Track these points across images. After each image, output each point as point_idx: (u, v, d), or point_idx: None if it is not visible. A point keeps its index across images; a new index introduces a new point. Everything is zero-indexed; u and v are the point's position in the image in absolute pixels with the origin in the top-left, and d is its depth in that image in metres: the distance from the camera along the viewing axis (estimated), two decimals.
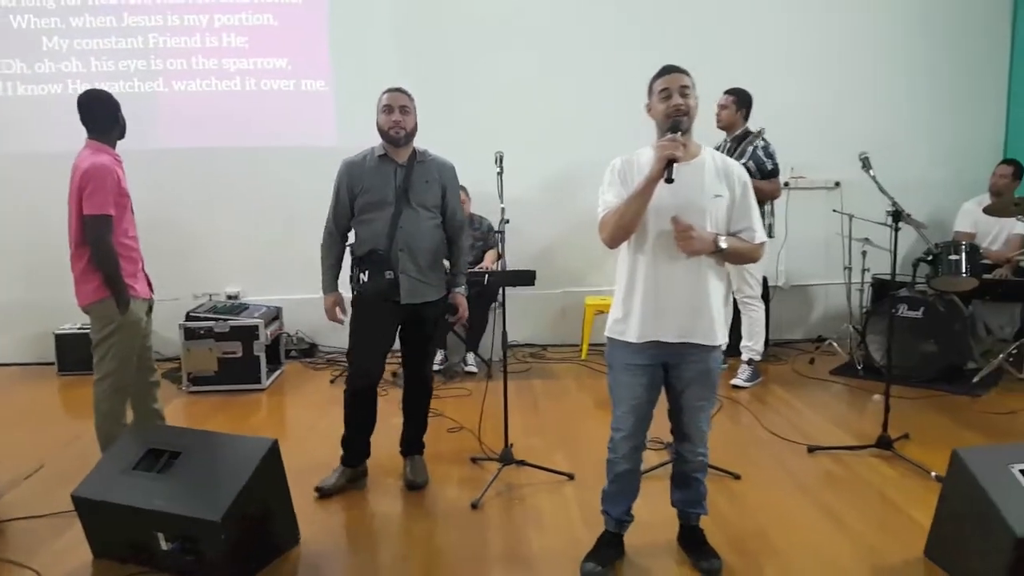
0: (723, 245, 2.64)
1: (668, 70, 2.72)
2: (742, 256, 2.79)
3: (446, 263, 3.78)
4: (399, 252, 3.48)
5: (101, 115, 3.44)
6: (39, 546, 3.13)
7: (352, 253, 3.63)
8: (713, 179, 2.70)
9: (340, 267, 3.69)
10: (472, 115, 5.99)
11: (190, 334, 5.23)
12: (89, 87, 3.56)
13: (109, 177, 3.30)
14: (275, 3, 5.92)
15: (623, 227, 2.66)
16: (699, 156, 2.73)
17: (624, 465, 2.87)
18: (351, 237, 3.66)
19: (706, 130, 5.16)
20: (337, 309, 3.70)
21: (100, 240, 3.31)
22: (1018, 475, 2.71)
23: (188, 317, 5.44)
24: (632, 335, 2.73)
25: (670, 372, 2.78)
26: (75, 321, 5.67)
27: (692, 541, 3.01)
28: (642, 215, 2.64)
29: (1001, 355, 5.16)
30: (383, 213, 3.50)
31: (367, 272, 3.52)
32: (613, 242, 2.72)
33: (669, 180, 2.53)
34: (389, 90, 3.53)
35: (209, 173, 5.93)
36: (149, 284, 3.64)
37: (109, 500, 2.93)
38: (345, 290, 3.67)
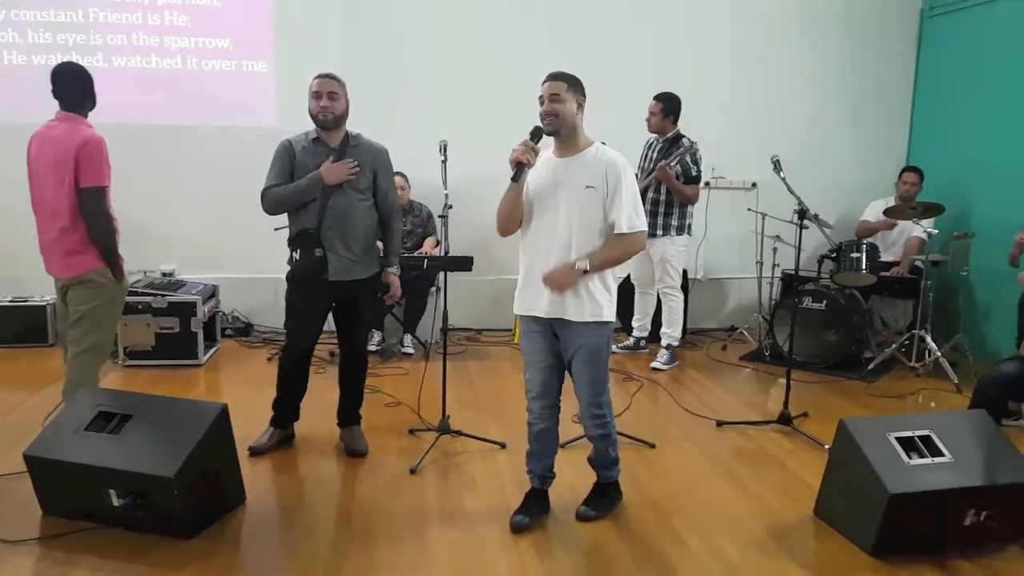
0: (586, 267, 2.93)
1: (547, 78, 3.00)
2: (613, 261, 3.00)
3: (380, 244, 3.92)
4: (328, 231, 3.63)
5: (79, 88, 3.45)
6: None
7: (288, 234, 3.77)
8: (589, 172, 2.97)
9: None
10: (417, 103, 6.18)
11: (128, 309, 5.24)
12: (62, 60, 3.55)
13: (103, 149, 3.35)
14: None
15: (500, 219, 3.09)
16: (583, 151, 3.02)
17: (540, 424, 3.20)
18: (285, 220, 3.78)
19: (643, 131, 5.54)
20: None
21: (100, 212, 3.35)
22: (894, 442, 3.07)
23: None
24: (517, 309, 3.13)
25: (561, 345, 3.09)
26: (4, 294, 5.69)
27: (593, 492, 3.32)
28: (514, 210, 3.04)
29: (894, 345, 5.63)
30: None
31: (298, 251, 3.68)
32: (500, 231, 3.12)
33: (515, 180, 2.94)
34: (318, 76, 3.64)
35: (147, 151, 5.94)
36: None
37: (61, 459, 3.03)
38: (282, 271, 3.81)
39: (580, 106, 3.00)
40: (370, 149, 3.77)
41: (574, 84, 2.99)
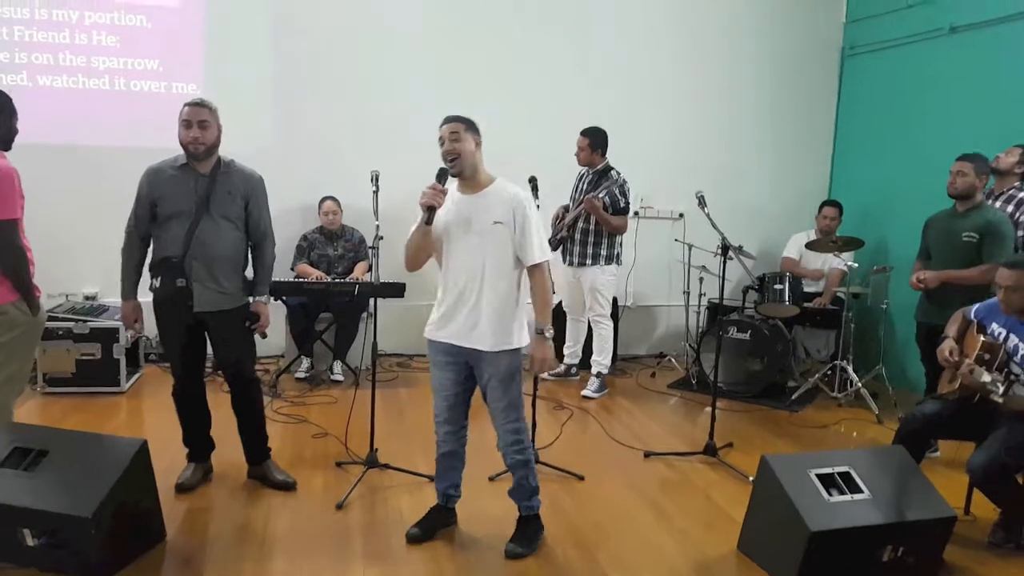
0: (548, 333, 3.15)
1: (445, 120, 3.13)
2: (548, 299, 3.18)
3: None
4: (192, 261, 3.52)
5: None
6: None
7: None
8: (495, 208, 3.10)
9: (140, 274, 3.67)
10: (349, 126, 6.17)
11: (47, 334, 5.07)
12: None
13: (15, 181, 3.22)
14: (149, 5, 5.88)
15: (409, 257, 3.18)
16: (487, 188, 3.14)
17: (444, 447, 3.33)
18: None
19: (571, 161, 5.62)
20: (136, 320, 3.70)
21: (11, 244, 3.23)
22: (814, 479, 3.15)
23: (47, 318, 5.30)
24: (430, 332, 3.23)
25: (474, 371, 3.19)
26: None
27: (516, 527, 3.36)
28: (421, 249, 3.15)
29: (817, 375, 5.79)
30: (181, 222, 3.52)
31: (159, 279, 3.58)
32: (408, 267, 3.21)
33: (427, 223, 3.05)
34: (189, 104, 3.51)
35: (73, 171, 5.81)
36: None
37: None
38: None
39: (478, 144, 3.13)
40: (242, 175, 3.65)
41: (470, 125, 3.13)
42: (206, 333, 3.71)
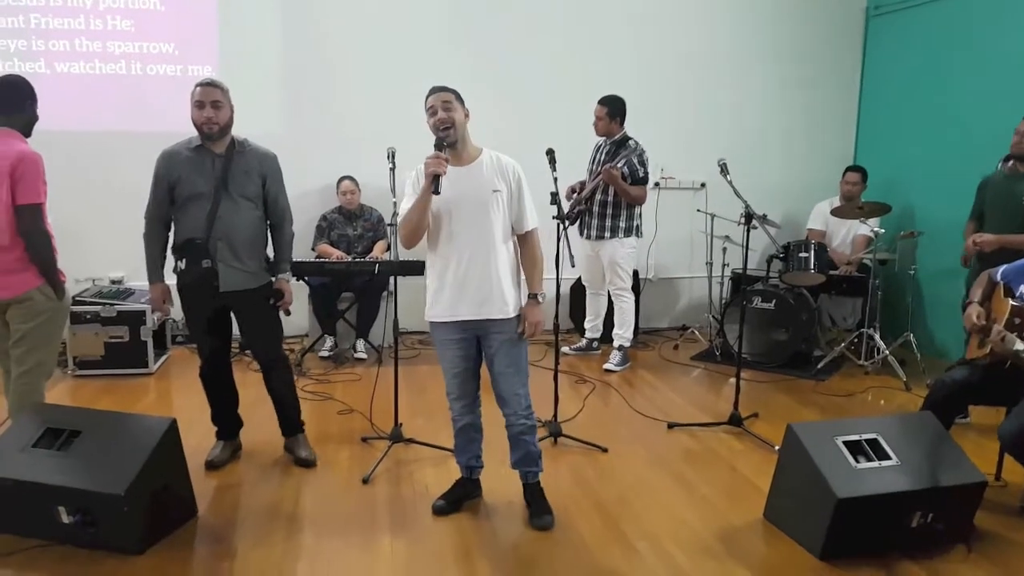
0: (541, 298, 3.20)
1: (433, 90, 3.14)
2: (540, 266, 3.24)
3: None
4: (217, 242, 3.54)
5: (14, 102, 3.35)
6: None
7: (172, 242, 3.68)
8: (491, 176, 3.13)
9: (165, 257, 3.70)
10: (362, 106, 6.15)
11: (76, 318, 5.20)
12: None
13: (40, 166, 3.26)
14: None
15: (409, 231, 3.09)
16: (477, 158, 3.16)
17: (461, 421, 3.35)
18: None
19: (589, 135, 5.56)
20: (165, 301, 3.73)
21: (38, 229, 3.27)
22: (841, 446, 3.13)
23: (74, 301, 5.37)
24: (438, 315, 3.20)
25: (481, 343, 3.22)
26: None
27: (530, 498, 3.38)
28: (423, 220, 3.08)
29: (843, 344, 5.74)
30: (200, 203, 3.54)
31: (184, 260, 3.60)
32: (406, 242, 3.12)
33: (436, 192, 2.99)
34: (201, 84, 3.51)
35: (93, 156, 5.86)
36: None
37: (9, 476, 2.98)
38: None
39: (467, 115, 3.16)
40: (257, 154, 3.66)
41: (459, 96, 3.15)
42: (232, 313, 3.75)
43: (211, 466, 3.78)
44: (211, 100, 3.48)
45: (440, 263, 3.17)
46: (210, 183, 3.55)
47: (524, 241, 3.23)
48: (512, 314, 3.16)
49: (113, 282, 5.95)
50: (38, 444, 3.09)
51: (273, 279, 3.77)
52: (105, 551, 2.97)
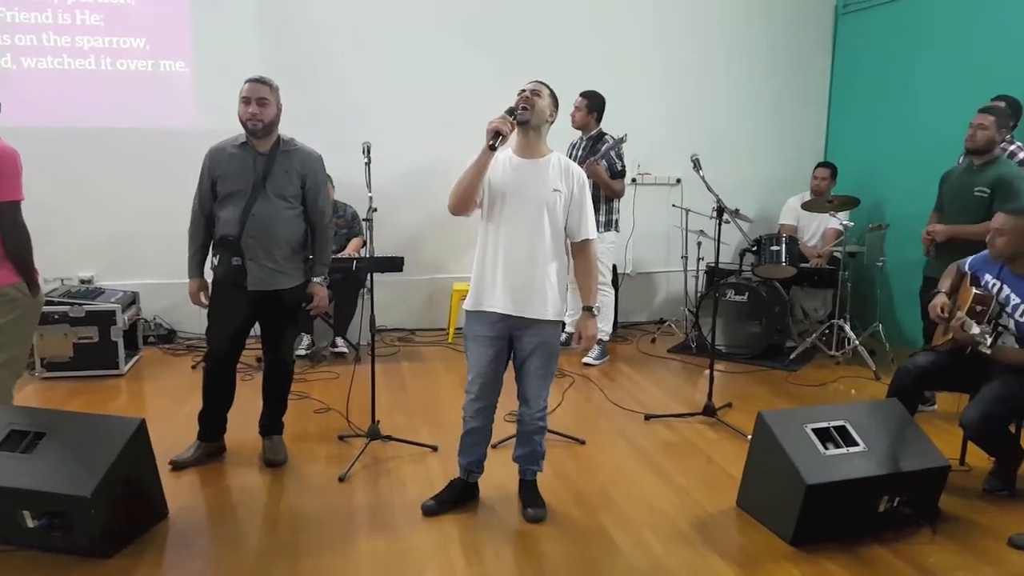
0: (596, 311, 3.19)
1: (534, 81, 3.12)
2: (595, 278, 3.23)
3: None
4: (248, 240, 3.54)
5: None
6: None
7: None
8: (555, 176, 3.08)
9: (206, 252, 3.71)
10: (339, 102, 6.09)
11: (44, 319, 5.07)
12: None
13: (18, 162, 3.20)
14: None
15: (459, 193, 2.99)
16: (547, 156, 3.11)
17: (472, 423, 3.28)
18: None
19: (566, 128, 5.56)
20: (201, 294, 3.75)
21: (16, 225, 3.22)
22: (810, 433, 3.17)
23: None
24: (473, 304, 3.13)
25: (515, 343, 3.14)
26: None
27: (526, 493, 3.37)
28: (476, 182, 2.97)
29: (814, 335, 5.80)
30: (237, 201, 3.55)
31: (218, 256, 3.61)
32: (454, 208, 3.04)
33: (492, 148, 2.91)
34: (249, 80, 3.53)
35: (61, 154, 5.76)
36: None
37: None
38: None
39: (552, 116, 3.12)
40: (300, 155, 3.65)
41: (554, 97, 3.12)
42: (257, 311, 3.71)
43: (175, 465, 3.70)
44: (257, 96, 3.48)
45: (487, 251, 3.10)
46: (249, 181, 3.54)
47: (580, 250, 3.17)
48: (551, 317, 3.09)
49: (82, 282, 5.86)
50: (2, 447, 3.00)
51: (310, 281, 3.75)
52: (72, 555, 2.90)
